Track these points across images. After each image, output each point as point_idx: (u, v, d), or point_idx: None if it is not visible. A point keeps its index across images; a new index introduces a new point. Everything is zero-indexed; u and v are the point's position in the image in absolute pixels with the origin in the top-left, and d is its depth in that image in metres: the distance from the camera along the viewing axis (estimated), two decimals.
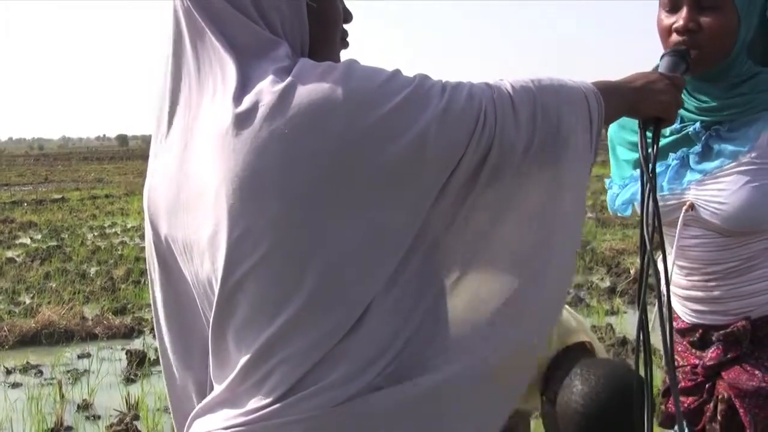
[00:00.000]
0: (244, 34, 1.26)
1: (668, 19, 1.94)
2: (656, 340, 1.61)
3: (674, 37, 1.92)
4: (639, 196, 2.10)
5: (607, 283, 9.18)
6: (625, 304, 8.16)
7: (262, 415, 1.21)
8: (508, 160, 1.28)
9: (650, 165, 1.61)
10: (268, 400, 1.22)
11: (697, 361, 2.11)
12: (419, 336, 1.27)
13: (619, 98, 1.51)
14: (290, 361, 1.21)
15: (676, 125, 2.04)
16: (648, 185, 1.63)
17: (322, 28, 1.35)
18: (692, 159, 2.02)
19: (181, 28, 1.30)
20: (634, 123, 2.12)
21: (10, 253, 12.86)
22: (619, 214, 2.33)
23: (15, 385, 6.23)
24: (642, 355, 1.64)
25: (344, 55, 1.43)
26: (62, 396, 5.74)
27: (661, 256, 1.66)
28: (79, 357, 6.94)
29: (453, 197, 1.28)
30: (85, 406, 5.64)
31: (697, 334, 2.10)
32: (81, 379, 6.27)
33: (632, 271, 9.41)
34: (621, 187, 2.27)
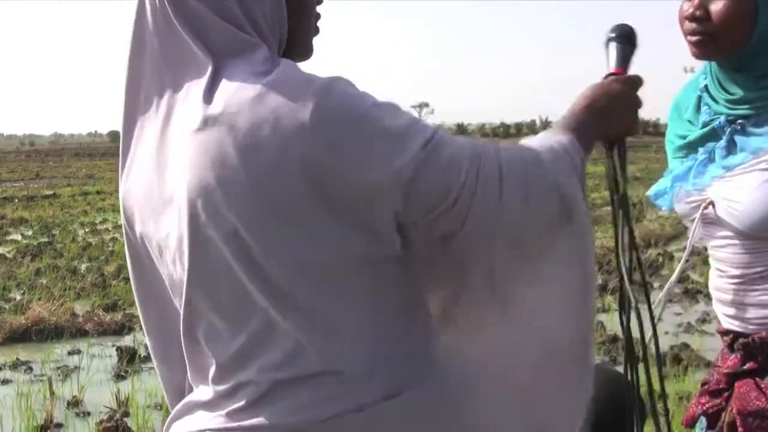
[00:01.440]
0: (220, 35, 1.21)
1: (685, 5, 1.90)
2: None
3: (687, 24, 1.88)
4: (669, 188, 2.07)
5: (598, 281, 9.20)
6: (615, 302, 8.16)
7: (239, 418, 1.20)
8: (483, 244, 1.23)
9: (621, 188, 1.62)
10: (242, 404, 1.20)
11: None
12: (401, 363, 1.23)
13: (591, 137, 1.46)
14: (263, 372, 1.19)
15: (705, 117, 1.98)
16: (620, 210, 1.62)
17: (299, 17, 1.31)
18: (718, 154, 1.94)
19: (146, 25, 1.26)
20: (680, 111, 2.09)
21: (0, 250, 12.81)
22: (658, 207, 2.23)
23: (4, 382, 6.21)
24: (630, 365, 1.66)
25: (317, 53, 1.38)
26: (52, 393, 5.72)
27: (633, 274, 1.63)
28: (70, 353, 6.92)
29: (424, 245, 1.24)
30: (75, 403, 5.62)
31: (729, 338, 2.05)
32: (71, 376, 6.25)
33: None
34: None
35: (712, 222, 1.97)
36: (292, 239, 1.15)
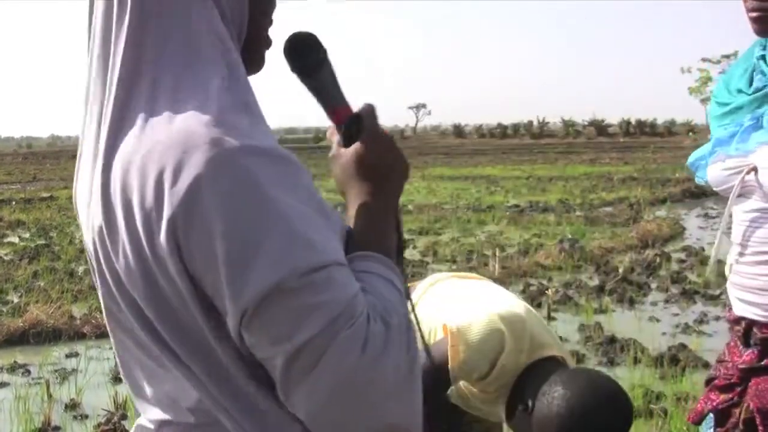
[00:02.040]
0: (179, 41, 1.07)
1: None
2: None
3: (749, 2, 1.88)
4: (707, 154, 2.06)
5: (595, 282, 9.19)
6: (613, 303, 8.18)
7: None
8: None
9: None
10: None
11: (738, 360, 2.05)
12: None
13: (394, 233, 1.20)
14: (171, 400, 1.12)
15: (758, 83, 1.97)
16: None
17: (257, 20, 1.17)
18: (766, 119, 1.93)
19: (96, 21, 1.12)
20: (728, 82, 2.09)
21: None
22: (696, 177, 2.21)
23: (2, 385, 6.19)
24: None
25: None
26: (50, 395, 5.71)
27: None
28: (67, 356, 6.90)
29: None
30: (72, 406, 5.61)
31: (741, 328, 2.02)
32: (69, 379, 6.23)
33: (621, 270, 9.44)
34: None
35: (748, 191, 1.94)
36: (166, 300, 1.04)
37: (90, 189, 1.09)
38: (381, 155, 1.20)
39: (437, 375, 2.22)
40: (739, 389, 2.02)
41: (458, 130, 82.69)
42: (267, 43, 1.21)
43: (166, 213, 0.95)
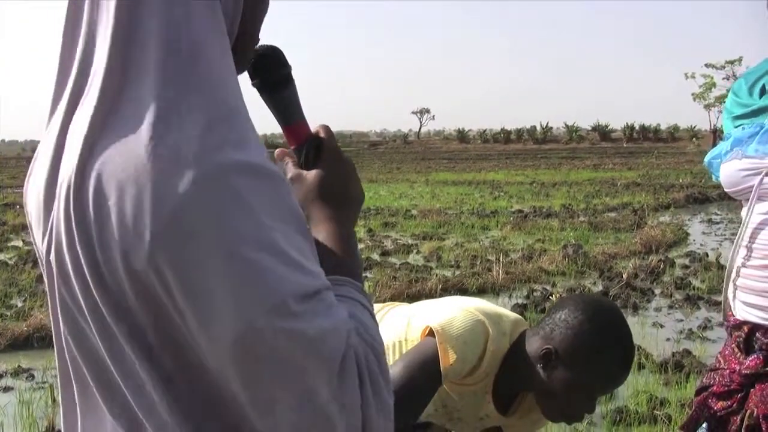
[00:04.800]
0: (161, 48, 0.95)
1: None
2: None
3: None
4: (725, 152, 2.06)
5: (599, 287, 9.18)
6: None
7: None
8: None
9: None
10: None
11: (737, 367, 2.04)
12: None
13: (353, 246, 1.17)
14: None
15: None
16: None
17: (254, 16, 1.10)
18: None
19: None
20: (749, 81, 2.10)
21: (2, 256, 12.81)
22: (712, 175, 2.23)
23: (6, 389, 6.20)
24: None
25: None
26: (54, 400, 5.71)
27: None
28: None
29: None
30: None
31: (744, 333, 2.01)
32: None
33: (624, 275, 9.44)
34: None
35: (763, 194, 1.94)
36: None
37: (52, 192, 0.99)
38: (343, 180, 1.18)
39: (429, 368, 2.23)
40: (739, 396, 2.01)
41: (462, 136, 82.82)
42: (256, 42, 1.15)
43: (147, 233, 0.87)
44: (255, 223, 0.89)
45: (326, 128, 1.21)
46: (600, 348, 2.13)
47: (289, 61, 1.18)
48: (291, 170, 1.20)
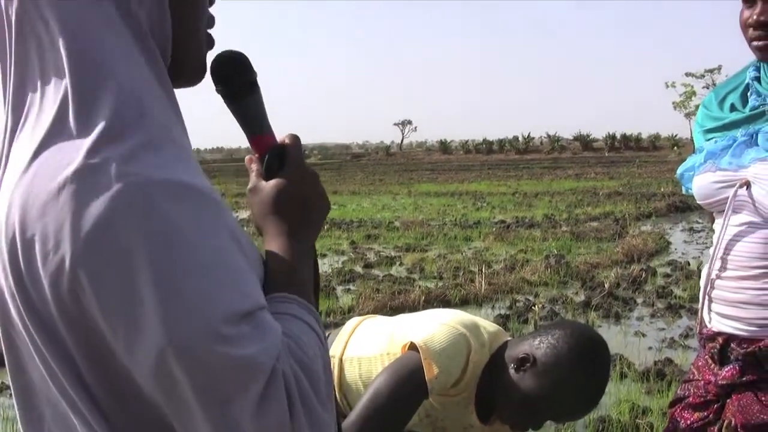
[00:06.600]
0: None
1: (746, 13, 1.94)
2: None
3: (751, 32, 1.92)
4: (698, 165, 2.10)
5: (581, 297, 9.21)
6: (599, 318, 8.20)
7: None
8: None
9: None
10: None
11: (711, 378, 2.05)
12: None
13: (311, 273, 1.14)
14: None
15: (754, 102, 2.00)
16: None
17: (185, 18, 1.02)
18: (762, 137, 1.96)
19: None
20: (718, 97, 2.14)
21: None
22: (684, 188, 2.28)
23: None
24: None
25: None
26: None
27: None
28: None
29: None
30: None
31: (718, 344, 2.03)
32: None
33: (606, 285, 9.48)
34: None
35: (738, 206, 1.97)
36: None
37: None
38: (304, 192, 1.13)
39: (415, 379, 2.25)
40: (716, 406, 2.03)
41: (444, 146, 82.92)
42: (208, 43, 1.08)
43: (68, 256, 0.85)
44: (179, 242, 0.86)
45: (293, 137, 1.17)
46: (572, 378, 2.18)
47: (255, 68, 1.14)
48: (251, 180, 1.17)
